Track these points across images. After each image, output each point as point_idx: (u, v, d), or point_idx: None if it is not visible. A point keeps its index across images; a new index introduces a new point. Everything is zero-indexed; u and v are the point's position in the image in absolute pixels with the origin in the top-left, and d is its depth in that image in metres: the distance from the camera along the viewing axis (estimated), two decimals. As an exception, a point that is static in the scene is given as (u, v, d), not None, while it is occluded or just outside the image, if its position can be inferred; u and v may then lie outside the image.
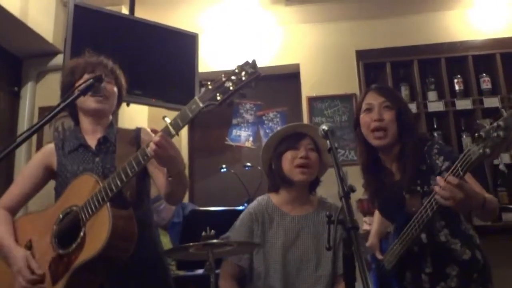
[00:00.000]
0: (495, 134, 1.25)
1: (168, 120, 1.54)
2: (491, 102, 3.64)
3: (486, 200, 1.54)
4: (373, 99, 1.92)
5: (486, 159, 1.32)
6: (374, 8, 3.90)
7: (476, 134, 1.32)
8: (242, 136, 4.20)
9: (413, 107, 3.68)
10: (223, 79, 1.46)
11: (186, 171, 4.03)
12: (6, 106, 3.47)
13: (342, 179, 1.36)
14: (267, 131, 4.14)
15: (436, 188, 1.50)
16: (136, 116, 3.71)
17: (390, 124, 1.85)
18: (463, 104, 3.70)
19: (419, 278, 1.78)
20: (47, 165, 1.87)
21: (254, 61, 1.49)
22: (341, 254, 1.32)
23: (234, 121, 4.20)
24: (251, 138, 4.17)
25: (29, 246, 1.71)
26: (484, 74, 3.76)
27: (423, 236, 1.76)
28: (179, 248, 1.85)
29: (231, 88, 1.45)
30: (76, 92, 1.65)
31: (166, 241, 3.22)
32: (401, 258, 1.82)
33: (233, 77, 1.46)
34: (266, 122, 4.18)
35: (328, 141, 1.55)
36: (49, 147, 1.90)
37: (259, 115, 4.20)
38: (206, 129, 4.20)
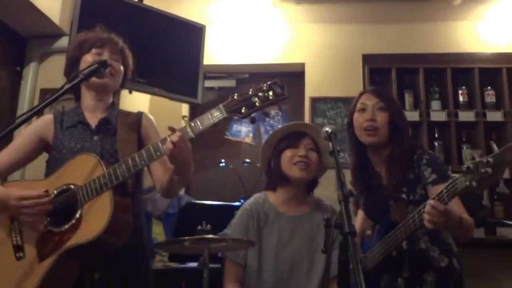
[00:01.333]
0: (483, 170, 1.28)
1: (187, 120, 1.54)
2: (494, 116, 3.64)
3: (462, 220, 1.56)
4: (368, 99, 1.95)
5: (472, 191, 1.35)
6: (384, 13, 3.89)
7: (465, 166, 1.35)
8: (243, 131, 4.19)
9: (415, 115, 3.69)
10: (250, 93, 1.50)
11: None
12: (8, 86, 3.44)
13: (342, 183, 1.37)
14: (267, 128, 4.13)
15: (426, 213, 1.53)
16: (137, 104, 3.67)
17: (383, 125, 1.88)
18: (466, 115, 3.69)
19: (396, 282, 1.79)
20: (43, 136, 1.81)
21: (283, 83, 1.53)
22: (335, 257, 1.32)
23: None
24: (251, 134, 4.16)
25: (15, 216, 1.63)
26: (489, 87, 3.75)
27: (404, 242, 1.77)
28: (174, 241, 1.84)
29: (257, 104, 1.49)
30: (80, 76, 1.64)
31: (159, 231, 3.22)
32: (381, 261, 1.83)
33: (260, 94, 1.50)
34: (267, 119, 4.17)
35: (330, 144, 1.54)
36: (48, 118, 1.85)
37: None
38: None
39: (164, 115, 3.68)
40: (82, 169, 1.60)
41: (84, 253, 1.51)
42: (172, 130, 1.52)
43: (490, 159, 1.26)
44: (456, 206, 1.64)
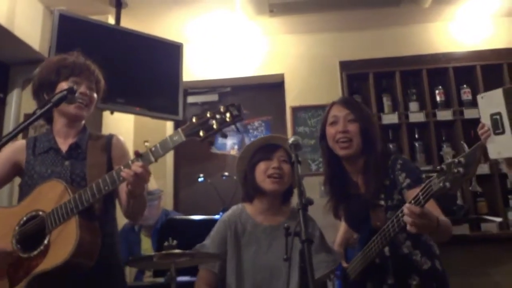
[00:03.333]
0: (455, 170, 1.29)
1: (148, 145, 1.60)
2: (472, 113, 3.69)
3: (439, 222, 1.57)
4: (338, 111, 1.98)
5: (446, 192, 1.35)
6: (357, 20, 3.96)
7: (438, 167, 1.36)
8: (228, 144, 4.25)
9: (394, 117, 3.76)
10: (208, 116, 1.54)
11: (172, 178, 4.10)
12: (-8, 113, 3.51)
13: (301, 192, 1.42)
14: (252, 139, 4.18)
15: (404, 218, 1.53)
16: (121, 124, 3.74)
17: (355, 135, 1.91)
18: (444, 115, 3.76)
19: None
20: (15, 161, 1.85)
21: (239, 105, 1.56)
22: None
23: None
24: (236, 147, 4.22)
25: None
26: (464, 86, 3.82)
27: (386, 249, 1.81)
28: (143, 258, 1.89)
29: (214, 127, 1.53)
30: (50, 103, 1.69)
31: (147, 247, 3.25)
32: (364, 269, 1.86)
33: (217, 116, 1.53)
34: (251, 130, 4.23)
35: (293, 154, 1.60)
36: (20, 144, 1.89)
37: (245, 124, 4.24)
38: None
39: (149, 133, 3.75)
40: (50, 195, 1.65)
41: (55, 277, 1.55)
42: (137, 155, 1.59)
43: (462, 159, 1.28)
44: (432, 208, 1.64)
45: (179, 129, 1.57)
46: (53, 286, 1.60)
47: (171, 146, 1.57)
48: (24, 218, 1.67)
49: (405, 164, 1.86)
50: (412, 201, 1.49)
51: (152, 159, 1.58)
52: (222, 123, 1.52)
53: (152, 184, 3.38)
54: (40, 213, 1.65)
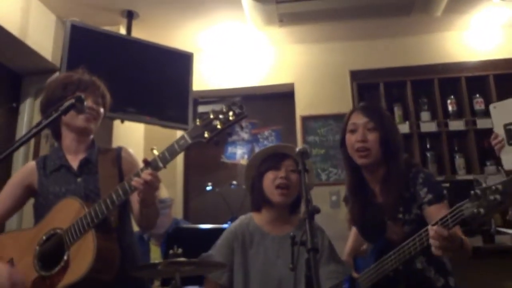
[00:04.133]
0: (491, 197, 1.23)
1: (156, 152, 1.61)
2: (484, 123, 3.64)
3: (463, 241, 1.52)
4: (358, 119, 1.92)
5: (479, 219, 1.28)
6: (368, 29, 3.96)
7: (472, 192, 1.29)
8: (238, 153, 4.25)
9: (406, 127, 3.72)
10: (211, 116, 1.55)
11: (181, 187, 4.10)
12: (5, 122, 3.55)
13: (308, 201, 1.40)
14: (262, 148, 4.17)
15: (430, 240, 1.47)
16: (131, 133, 3.77)
17: (374, 145, 1.85)
18: (456, 125, 3.72)
19: None
20: (28, 184, 1.87)
21: (241, 102, 1.56)
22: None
23: (230, 139, 4.25)
24: (246, 156, 4.21)
25: (10, 264, 1.70)
26: (477, 95, 3.78)
27: None
28: (148, 266, 1.87)
29: (218, 127, 1.53)
30: (58, 111, 1.70)
31: (156, 256, 3.24)
32: (376, 282, 1.82)
33: (221, 116, 1.54)
34: (261, 140, 4.23)
35: (300, 163, 1.58)
36: (30, 166, 1.91)
37: (254, 133, 4.24)
38: (202, 146, 4.24)
39: (159, 142, 3.74)
40: (67, 212, 1.67)
41: None
42: (146, 163, 1.59)
43: (499, 186, 1.22)
44: (454, 229, 1.57)
45: (184, 133, 1.58)
46: None
47: (178, 150, 1.57)
48: (44, 238, 1.68)
49: (427, 178, 1.79)
50: (439, 222, 1.42)
51: (161, 165, 1.58)
52: (226, 122, 1.53)
53: (163, 193, 3.38)
54: (58, 231, 1.66)
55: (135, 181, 1.57)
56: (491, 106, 1.87)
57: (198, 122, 1.55)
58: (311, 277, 1.24)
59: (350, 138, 1.91)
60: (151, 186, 1.59)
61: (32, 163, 1.92)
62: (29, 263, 1.67)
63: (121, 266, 1.63)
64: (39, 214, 1.81)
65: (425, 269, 1.78)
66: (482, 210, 1.25)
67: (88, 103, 1.83)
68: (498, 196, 1.21)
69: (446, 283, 1.77)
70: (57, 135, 1.94)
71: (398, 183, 1.80)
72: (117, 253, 1.64)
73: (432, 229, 1.42)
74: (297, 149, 1.64)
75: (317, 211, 1.36)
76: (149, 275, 1.89)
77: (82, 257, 1.56)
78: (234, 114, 1.52)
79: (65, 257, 1.60)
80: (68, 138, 1.90)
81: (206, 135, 1.53)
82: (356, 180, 1.97)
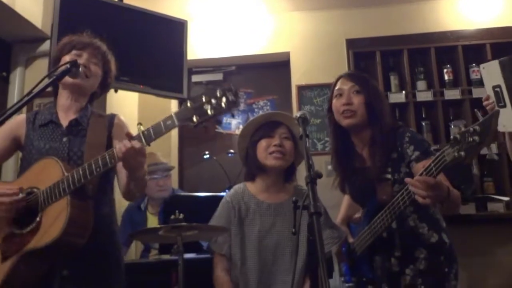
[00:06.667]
0: (470, 139, 1.26)
1: (142, 128, 1.55)
2: (480, 92, 3.61)
3: (450, 191, 1.56)
4: (344, 84, 1.97)
5: (461, 162, 1.32)
6: (365, -3, 3.89)
7: (452, 137, 1.33)
8: (233, 123, 4.22)
9: (401, 96, 3.71)
10: (203, 100, 1.48)
11: (176, 157, 4.08)
12: (-5, 91, 3.48)
13: (310, 166, 1.39)
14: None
15: (411, 187, 1.52)
16: (125, 102, 3.72)
17: (359, 107, 1.90)
18: (452, 94, 3.71)
19: (389, 262, 1.83)
20: (15, 136, 1.84)
21: (236, 90, 1.50)
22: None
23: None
24: (241, 126, 4.18)
25: None
26: (473, 64, 3.75)
27: (393, 222, 1.79)
28: (149, 230, 1.87)
29: (208, 112, 1.47)
30: (52, 76, 1.67)
31: (154, 225, 3.25)
32: (371, 243, 1.86)
33: (213, 101, 1.47)
34: (256, 110, 4.20)
35: (300, 128, 1.57)
36: (20, 118, 1.88)
37: (250, 103, 4.21)
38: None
39: (153, 111, 3.72)
40: (46, 172, 1.64)
41: (45, 254, 1.56)
42: (129, 137, 1.55)
43: (477, 127, 1.26)
44: (440, 179, 1.61)
45: (172, 114, 1.51)
46: (44, 263, 1.60)
47: (163, 131, 1.52)
48: (20, 194, 1.65)
49: (413, 136, 1.83)
50: (424, 172, 1.46)
51: (144, 142, 1.54)
52: (217, 109, 1.46)
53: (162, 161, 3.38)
54: (35, 190, 1.64)
55: (118, 148, 1.53)
56: (481, 67, 1.85)
57: (189, 103, 1.49)
58: (314, 240, 1.24)
59: (336, 103, 1.96)
60: (133, 157, 1.54)
61: (22, 116, 1.89)
62: (5, 217, 1.64)
63: (95, 236, 1.62)
64: (23, 168, 1.79)
65: (418, 226, 1.82)
66: (462, 154, 1.29)
67: (81, 60, 1.80)
68: (476, 137, 1.26)
69: (440, 239, 1.81)
70: (55, 93, 1.91)
71: (384, 144, 1.84)
72: (90, 221, 1.62)
73: (416, 179, 1.47)
74: (298, 115, 1.63)
75: (319, 176, 1.36)
76: (150, 240, 1.90)
77: (53, 223, 1.55)
78: (227, 101, 1.45)
79: (38, 219, 1.59)
80: (62, 96, 1.87)
81: (194, 119, 1.47)
82: (342, 146, 2.00)
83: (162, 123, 1.52)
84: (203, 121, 1.48)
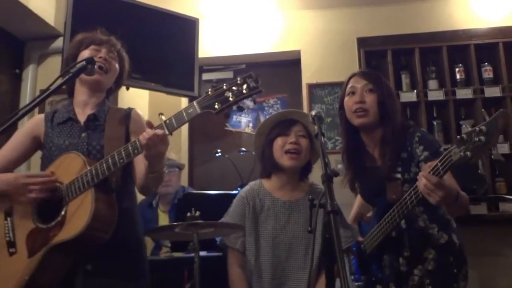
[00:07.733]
0: (476, 139, 1.26)
1: (164, 118, 1.56)
2: (493, 91, 3.62)
3: (459, 194, 1.56)
4: (356, 82, 1.96)
5: (467, 162, 1.32)
6: (376, -5, 3.87)
7: (458, 136, 1.33)
8: (243, 122, 4.22)
9: (413, 95, 3.69)
10: (224, 87, 1.49)
11: (186, 155, 4.09)
12: (8, 88, 3.51)
13: (326, 164, 1.39)
14: (267, 117, 4.14)
15: (419, 186, 1.52)
16: (136, 99, 3.73)
17: (372, 105, 1.89)
18: (463, 93, 3.67)
19: (397, 261, 1.82)
20: (35, 135, 1.86)
21: (257, 76, 1.51)
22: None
23: (235, 107, 4.21)
24: (251, 124, 4.19)
25: (9, 212, 1.72)
26: (486, 63, 3.73)
27: (402, 221, 1.80)
28: (165, 228, 1.88)
29: (230, 99, 1.49)
30: (68, 74, 1.68)
31: (165, 223, 3.26)
32: (380, 242, 1.86)
33: (234, 88, 1.49)
34: (266, 108, 4.20)
35: (316, 127, 1.57)
36: (39, 118, 1.90)
37: (260, 101, 4.21)
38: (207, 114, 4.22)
39: (164, 109, 3.70)
40: (69, 167, 1.66)
41: (71, 248, 1.57)
42: (149, 125, 1.56)
43: (483, 127, 1.25)
44: (450, 182, 1.61)
45: (194, 102, 1.53)
46: (69, 256, 1.61)
47: (186, 119, 1.53)
48: None
49: (423, 136, 1.82)
50: (431, 172, 1.46)
51: (167, 131, 1.54)
52: (239, 95, 1.48)
53: (172, 157, 3.39)
54: (58, 185, 1.65)
55: (142, 136, 1.53)
56: None
57: (210, 91, 1.50)
58: (330, 238, 1.24)
59: (348, 101, 1.95)
60: (156, 144, 1.54)
61: (40, 115, 1.91)
62: (28, 213, 1.67)
63: (117, 230, 1.63)
64: (44, 166, 1.81)
65: (428, 227, 1.81)
66: (469, 153, 1.29)
67: (100, 54, 1.83)
68: (482, 137, 1.25)
69: (450, 239, 1.81)
70: (71, 91, 1.93)
71: (394, 144, 1.84)
72: (115, 215, 1.63)
73: (422, 175, 1.47)
74: (313, 113, 1.63)
75: (336, 174, 1.36)
76: (165, 237, 1.91)
77: (79, 215, 1.56)
78: (248, 87, 1.47)
79: (63, 212, 1.60)
80: (80, 93, 1.88)
81: (216, 106, 1.48)
82: (353, 144, 2.00)
83: (184, 111, 1.53)
84: (225, 108, 1.49)
